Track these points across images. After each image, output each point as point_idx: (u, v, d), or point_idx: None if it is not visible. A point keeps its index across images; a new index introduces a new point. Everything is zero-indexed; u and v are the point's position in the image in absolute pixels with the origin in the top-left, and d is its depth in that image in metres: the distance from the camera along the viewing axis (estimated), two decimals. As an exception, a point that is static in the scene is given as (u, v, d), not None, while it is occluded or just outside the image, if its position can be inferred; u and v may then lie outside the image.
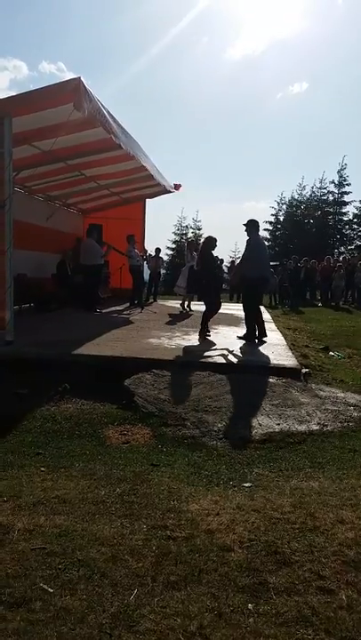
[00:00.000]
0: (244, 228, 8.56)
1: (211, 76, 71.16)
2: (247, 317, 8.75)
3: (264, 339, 8.58)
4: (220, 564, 2.77)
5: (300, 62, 65.00)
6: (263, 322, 8.81)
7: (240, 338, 8.62)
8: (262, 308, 9.06)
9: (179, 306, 13.55)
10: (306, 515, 3.38)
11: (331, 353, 9.03)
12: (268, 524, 3.24)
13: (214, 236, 8.82)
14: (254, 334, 8.56)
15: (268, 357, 7.31)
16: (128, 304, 13.69)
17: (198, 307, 13.53)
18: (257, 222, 8.76)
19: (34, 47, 71.84)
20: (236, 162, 63.29)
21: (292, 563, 2.80)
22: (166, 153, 59.90)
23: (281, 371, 6.62)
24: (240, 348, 7.85)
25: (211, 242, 8.77)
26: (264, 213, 36.96)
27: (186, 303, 13.48)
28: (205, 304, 8.90)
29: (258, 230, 8.84)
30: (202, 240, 9.08)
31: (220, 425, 5.19)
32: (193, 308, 13.24)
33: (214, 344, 8.13)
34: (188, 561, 2.79)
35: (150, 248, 15.77)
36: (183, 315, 12.45)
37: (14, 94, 7.08)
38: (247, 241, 8.57)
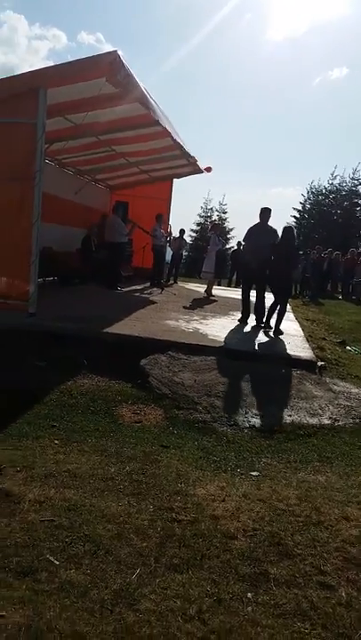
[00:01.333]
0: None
1: (250, 57, 69.91)
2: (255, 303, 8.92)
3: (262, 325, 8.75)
4: (223, 551, 2.82)
5: (342, 46, 63.35)
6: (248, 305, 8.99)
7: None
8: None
9: (203, 291, 13.39)
10: (311, 508, 3.41)
11: (348, 347, 8.98)
12: (273, 515, 3.28)
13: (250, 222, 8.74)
14: (260, 319, 8.77)
15: (284, 348, 7.29)
16: (148, 283, 13.69)
17: (219, 292, 13.48)
18: (263, 209, 8.66)
19: (74, 17, 71.42)
20: (267, 146, 62.41)
21: (295, 555, 2.84)
22: (197, 132, 59.21)
23: (296, 362, 6.61)
24: (257, 336, 7.84)
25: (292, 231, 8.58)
26: (291, 200, 36.54)
27: (211, 288, 13.23)
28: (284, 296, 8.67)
29: (263, 216, 8.63)
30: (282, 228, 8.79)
31: (231, 412, 5.22)
32: (215, 292, 13.08)
33: (232, 330, 8.13)
34: (192, 545, 2.85)
35: (175, 229, 15.66)
36: (204, 299, 12.39)
37: (50, 65, 7.05)
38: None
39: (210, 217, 34.37)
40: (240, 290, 9.50)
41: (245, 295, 8.93)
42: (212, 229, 14.47)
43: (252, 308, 8.87)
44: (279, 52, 66.61)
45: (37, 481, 3.41)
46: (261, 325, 8.67)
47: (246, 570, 2.67)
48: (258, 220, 8.60)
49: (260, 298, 8.82)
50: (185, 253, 20.00)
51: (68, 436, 4.30)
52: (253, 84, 68.10)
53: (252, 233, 8.63)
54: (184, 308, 10.28)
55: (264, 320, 8.68)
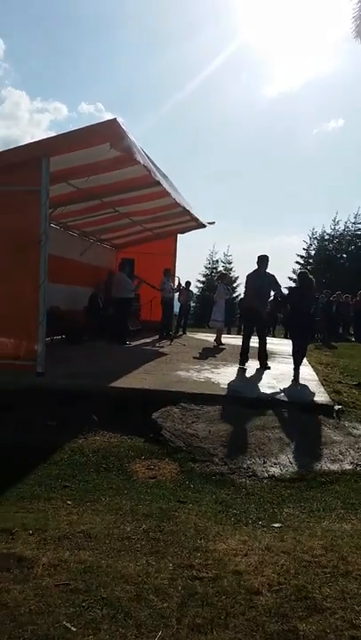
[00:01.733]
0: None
1: (247, 113, 72.57)
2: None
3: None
4: (248, 608, 2.67)
5: (337, 99, 65.72)
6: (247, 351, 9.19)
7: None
8: (279, 340, 9.17)
9: (212, 340, 13.37)
10: (338, 558, 3.25)
11: (364, 390, 8.80)
12: (299, 567, 3.12)
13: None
14: (263, 362, 9.06)
15: (299, 393, 7.18)
16: (158, 336, 13.72)
17: (228, 340, 13.41)
18: (261, 257, 8.99)
19: (73, 89, 75.18)
20: (269, 196, 63.81)
21: (324, 609, 2.68)
22: (200, 188, 60.85)
23: (313, 407, 6.49)
24: (271, 383, 7.74)
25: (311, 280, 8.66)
26: (294, 247, 37.01)
27: (220, 336, 13.20)
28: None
29: (260, 264, 8.98)
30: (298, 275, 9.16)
31: (249, 462, 5.09)
32: (224, 341, 13.06)
33: (245, 378, 8.04)
34: (215, 603, 2.70)
35: (182, 282, 15.80)
36: (214, 348, 12.36)
37: (52, 135, 7.36)
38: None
39: (216, 268, 34.84)
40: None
41: (246, 339, 9.26)
42: (220, 279, 14.62)
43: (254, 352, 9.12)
44: (276, 106, 69.05)
45: (51, 544, 3.30)
46: (267, 368, 8.97)
47: (274, 627, 2.51)
48: (256, 267, 8.99)
49: (262, 341, 9.08)
50: (192, 304, 20.10)
51: (81, 496, 4.19)
52: (252, 139, 70.35)
53: (251, 279, 9.03)
54: (194, 358, 10.23)
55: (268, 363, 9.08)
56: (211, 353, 11.26)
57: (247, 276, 9.14)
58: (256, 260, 9.01)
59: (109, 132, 6.64)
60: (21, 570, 2.95)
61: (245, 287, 9.36)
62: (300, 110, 68.80)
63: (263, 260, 8.93)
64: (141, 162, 7.34)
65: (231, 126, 71.55)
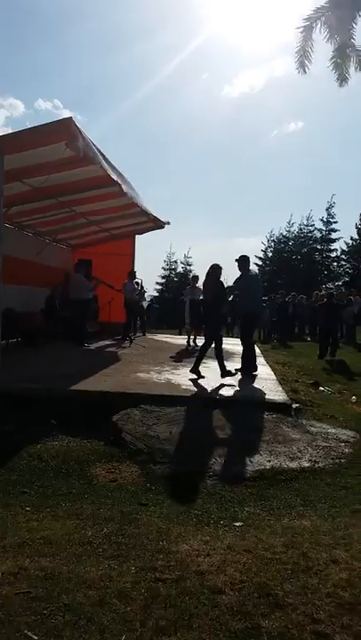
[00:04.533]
0: (237, 263, 8.72)
1: (208, 113, 72.59)
2: (244, 351, 8.81)
3: (255, 372, 8.60)
4: (211, 608, 2.68)
5: (299, 101, 66.49)
6: (255, 355, 8.84)
7: (228, 374, 8.23)
8: (234, 340, 9.12)
9: (184, 342, 13.36)
10: (299, 555, 3.30)
11: (321, 388, 9.01)
12: (260, 565, 3.15)
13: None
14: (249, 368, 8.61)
15: (258, 392, 7.27)
16: (119, 338, 13.62)
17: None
18: (247, 257, 8.87)
19: (29, 85, 73.06)
20: (229, 198, 64.18)
21: (286, 605, 2.71)
22: (158, 189, 60.66)
23: (271, 406, 6.58)
24: (230, 383, 7.80)
25: (219, 270, 8.42)
26: (253, 250, 37.33)
27: (192, 338, 13.14)
28: (214, 338, 8.42)
29: (249, 265, 8.94)
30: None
31: (209, 462, 5.11)
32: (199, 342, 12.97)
33: (204, 378, 8.08)
34: (178, 604, 2.70)
35: (143, 285, 15.71)
36: (178, 350, 12.31)
37: (6, 133, 7.19)
38: (240, 275, 8.72)
39: (174, 269, 34.93)
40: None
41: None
42: (193, 281, 14.37)
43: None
44: (237, 107, 69.12)
45: (10, 551, 3.22)
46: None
47: (237, 625, 2.53)
48: (240, 269, 8.75)
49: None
50: (147, 304, 19.83)
51: (41, 502, 4.11)
52: (212, 140, 70.38)
53: (254, 281, 8.93)
54: (154, 359, 10.21)
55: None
56: (171, 354, 11.25)
57: (248, 277, 8.71)
58: (243, 260, 8.74)
59: (65, 130, 6.54)
60: (-21, 579, 2.86)
61: (248, 288, 8.74)
62: (260, 112, 69.15)
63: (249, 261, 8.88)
64: (97, 162, 7.27)
65: (192, 127, 71.41)
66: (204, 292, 8.77)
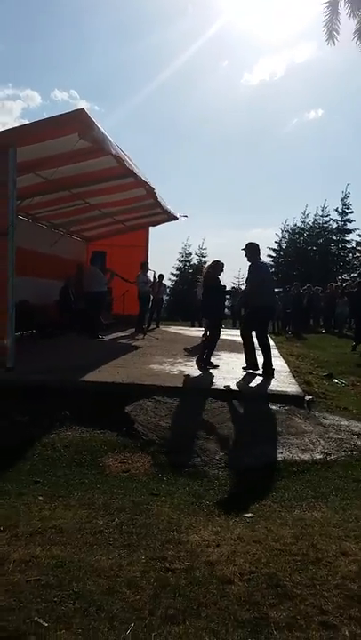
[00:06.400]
0: (245, 252, 8.08)
1: (226, 102, 71.94)
2: (263, 352, 7.98)
3: (256, 370, 8.03)
4: (220, 598, 2.70)
5: (319, 88, 65.54)
6: (255, 353, 8.34)
7: (244, 369, 8.10)
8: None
9: (201, 335, 13.27)
10: (308, 546, 3.30)
11: (334, 380, 8.96)
12: (270, 556, 3.16)
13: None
14: (256, 362, 8.05)
15: (271, 384, 7.25)
16: (133, 330, 13.63)
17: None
18: (256, 245, 8.13)
19: (46, 76, 73.18)
20: (246, 188, 63.61)
21: (294, 596, 2.72)
22: (175, 178, 60.35)
23: (284, 398, 6.55)
24: (242, 375, 7.79)
25: (218, 267, 8.29)
26: (270, 240, 36.84)
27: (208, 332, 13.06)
28: (212, 333, 8.50)
29: (259, 254, 8.18)
30: (206, 265, 8.63)
31: (221, 453, 5.12)
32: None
33: (218, 370, 8.07)
34: (187, 594, 2.72)
35: (155, 276, 15.72)
36: (192, 342, 12.28)
37: (19, 125, 7.22)
38: (249, 266, 8.08)
39: (189, 261, 34.80)
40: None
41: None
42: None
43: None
44: (257, 95, 68.26)
45: (22, 540, 3.27)
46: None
47: (245, 615, 2.54)
48: (248, 259, 8.08)
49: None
50: (165, 297, 20.06)
51: (53, 492, 4.16)
52: (231, 129, 69.72)
53: (266, 271, 8.46)
54: (168, 351, 10.22)
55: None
56: (184, 346, 11.26)
57: (257, 267, 8.03)
58: (252, 249, 8.03)
59: (78, 122, 6.55)
60: (-8, 567, 2.91)
61: (254, 279, 8.04)
62: (280, 100, 68.16)
63: (258, 250, 8.13)
64: (113, 152, 7.27)
65: (210, 116, 71.01)
66: (203, 285, 8.56)
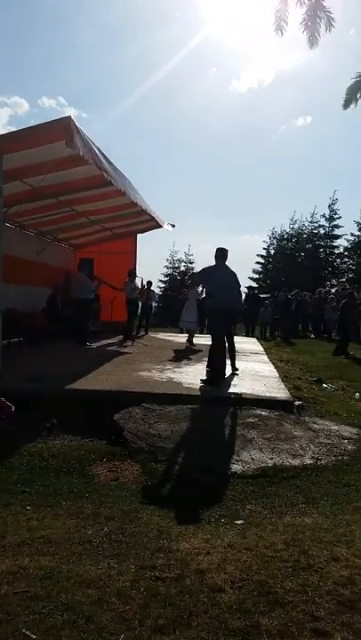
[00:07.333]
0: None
1: (215, 109, 72.34)
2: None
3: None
4: (211, 606, 2.66)
5: (308, 95, 66.08)
6: (233, 356, 8.53)
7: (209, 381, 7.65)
8: (240, 338, 8.66)
9: (184, 341, 13.28)
10: (299, 552, 3.28)
11: (324, 385, 8.98)
12: (261, 563, 3.14)
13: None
14: (218, 374, 7.83)
15: (260, 390, 7.24)
16: (121, 337, 13.60)
17: (199, 340, 13.20)
18: (222, 250, 8.10)
19: (33, 83, 73.16)
20: (235, 195, 64.01)
21: (286, 603, 2.70)
22: (163, 184, 60.51)
23: (273, 403, 6.55)
24: (232, 381, 7.78)
25: (194, 279, 8.34)
26: (258, 247, 37.13)
27: (192, 338, 13.02)
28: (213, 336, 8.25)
29: (223, 259, 8.09)
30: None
31: (211, 460, 5.09)
32: (195, 342, 12.86)
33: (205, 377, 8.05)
34: (178, 603, 2.68)
35: (143, 282, 15.74)
36: (185, 349, 12.28)
37: (5, 132, 7.19)
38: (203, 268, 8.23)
39: (177, 268, 34.89)
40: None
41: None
42: (192, 279, 14.36)
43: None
44: (245, 102, 68.66)
45: (10, 550, 3.21)
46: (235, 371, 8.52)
47: (237, 624, 2.51)
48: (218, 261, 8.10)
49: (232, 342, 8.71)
50: (154, 304, 20.07)
51: (41, 501, 4.10)
52: (219, 135, 70.08)
53: (223, 273, 8.12)
54: (157, 357, 10.20)
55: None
56: (174, 353, 11.24)
57: (215, 270, 8.05)
58: (217, 253, 8.10)
59: (64, 129, 6.53)
60: (-22, 579, 2.86)
61: (215, 284, 8.06)
62: (268, 107, 68.66)
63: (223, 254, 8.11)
64: (95, 162, 7.24)
65: (199, 122, 71.30)
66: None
